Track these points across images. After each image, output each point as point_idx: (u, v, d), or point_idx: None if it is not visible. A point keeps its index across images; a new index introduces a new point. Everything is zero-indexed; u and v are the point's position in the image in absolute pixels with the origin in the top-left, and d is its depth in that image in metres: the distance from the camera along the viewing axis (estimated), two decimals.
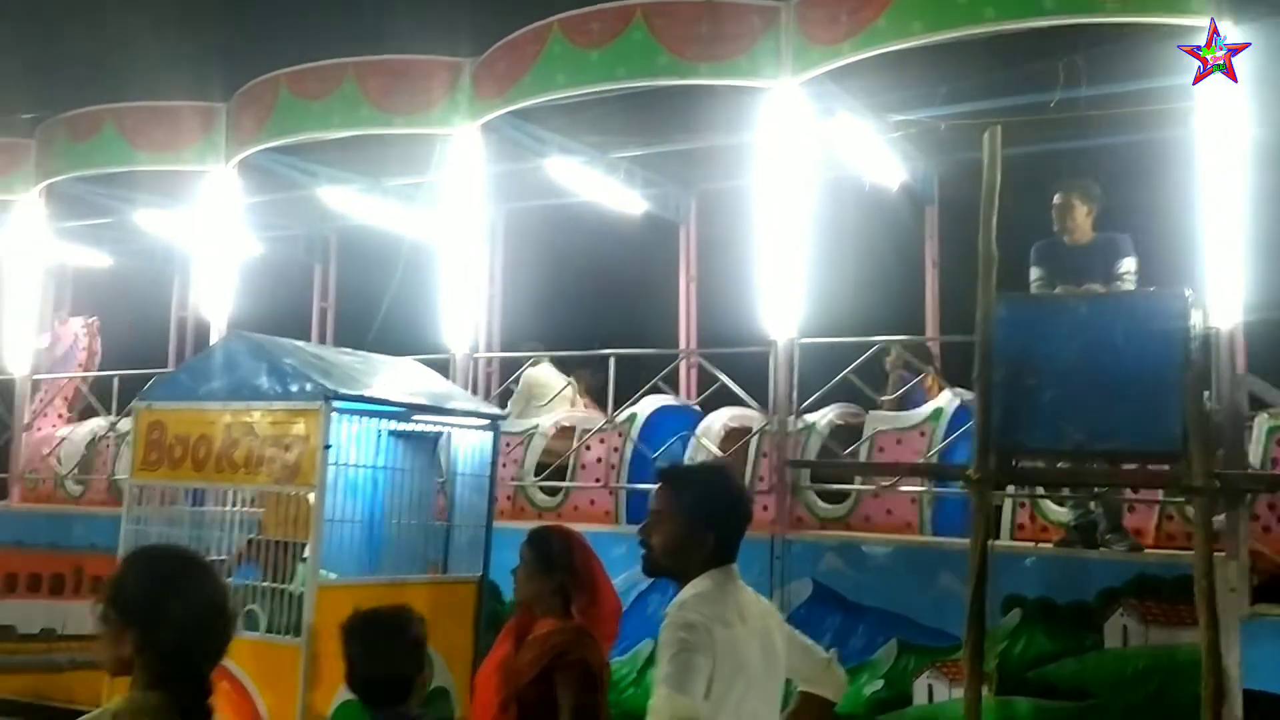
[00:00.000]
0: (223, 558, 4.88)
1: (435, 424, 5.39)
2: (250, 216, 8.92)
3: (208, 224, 8.34)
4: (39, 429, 9.73)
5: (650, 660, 6.15)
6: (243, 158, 8.12)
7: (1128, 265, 5.69)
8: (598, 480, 6.99)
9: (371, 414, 5.04)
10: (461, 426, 5.42)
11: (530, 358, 7.36)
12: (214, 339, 8.08)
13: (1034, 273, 5.81)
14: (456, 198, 7.40)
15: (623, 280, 9.68)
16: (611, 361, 6.92)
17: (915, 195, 8.25)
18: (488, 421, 5.50)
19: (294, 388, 4.75)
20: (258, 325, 6.37)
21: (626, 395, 7.13)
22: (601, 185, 8.41)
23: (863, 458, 6.30)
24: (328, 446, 4.65)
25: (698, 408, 7.49)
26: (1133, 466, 5.15)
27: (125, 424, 8.96)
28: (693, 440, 6.79)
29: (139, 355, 10.30)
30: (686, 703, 2.48)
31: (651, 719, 2.50)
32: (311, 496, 4.68)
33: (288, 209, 9.88)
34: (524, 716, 3.44)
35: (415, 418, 5.23)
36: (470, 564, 5.34)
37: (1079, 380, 4.76)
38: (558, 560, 3.65)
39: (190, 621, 2.11)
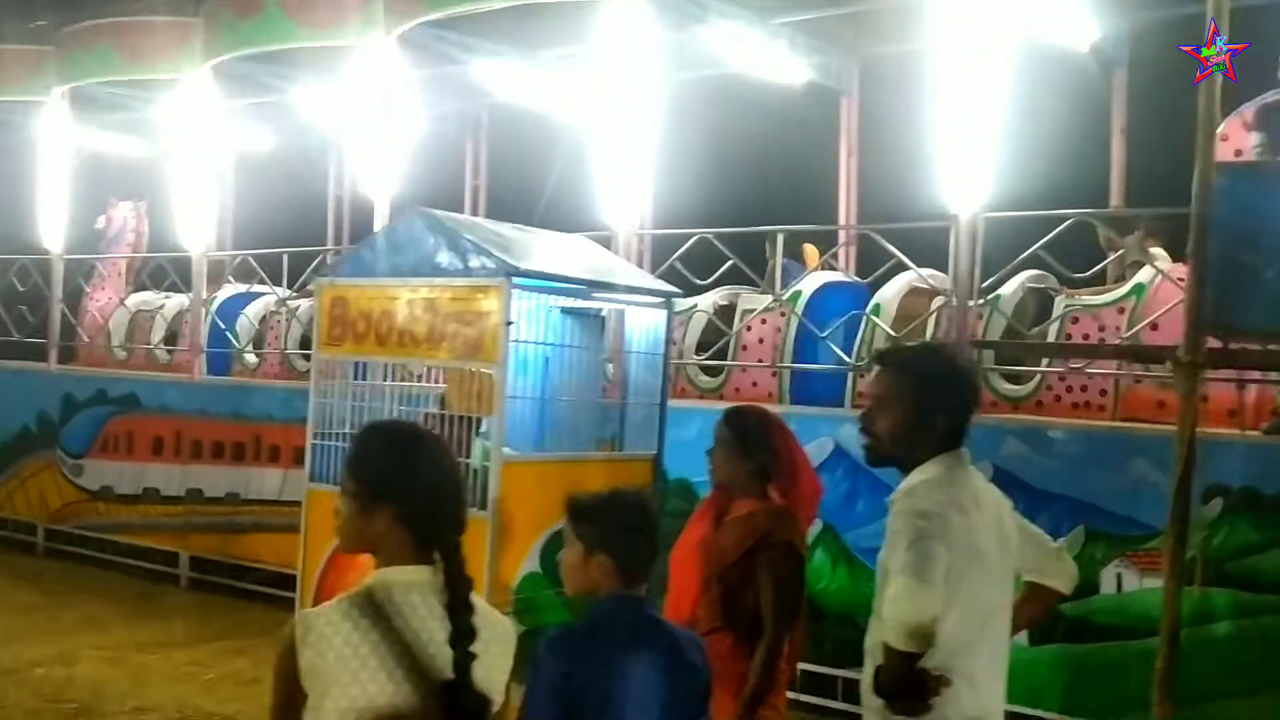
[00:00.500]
0: None
1: (610, 301, 5.33)
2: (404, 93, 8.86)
3: (366, 100, 8.31)
4: (95, 300, 10.53)
5: (818, 542, 6.11)
6: (401, 32, 8.02)
7: None
8: (760, 360, 6.89)
9: (549, 290, 5.00)
10: (636, 304, 5.34)
11: (693, 235, 7.20)
12: (376, 217, 8.15)
13: (1253, 139, 5.33)
14: (614, 68, 7.19)
15: (781, 154, 9.36)
16: (780, 239, 6.73)
17: (1104, 58, 7.66)
18: (661, 300, 5.41)
19: (474, 264, 4.72)
20: (412, 203, 6.37)
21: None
22: (762, 53, 8.06)
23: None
24: (510, 323, 4.63)
25: (864, 284, 7.26)
26: None
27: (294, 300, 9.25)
28: (864, 320, 6.59)
29: (299, 233, 10.57)
30: (929, 591, 2.39)
31: (891, 607, 2.42)
32: (492, 372, 4.69)
33: (440, 86, 9.80)
34: (726, 596, 3.41)
35: (592, 295, 5.17)
36: (645, 442, 5.33)
37: None
38: (756, 441, 3.56)
39: (439, 492, 2.09)
